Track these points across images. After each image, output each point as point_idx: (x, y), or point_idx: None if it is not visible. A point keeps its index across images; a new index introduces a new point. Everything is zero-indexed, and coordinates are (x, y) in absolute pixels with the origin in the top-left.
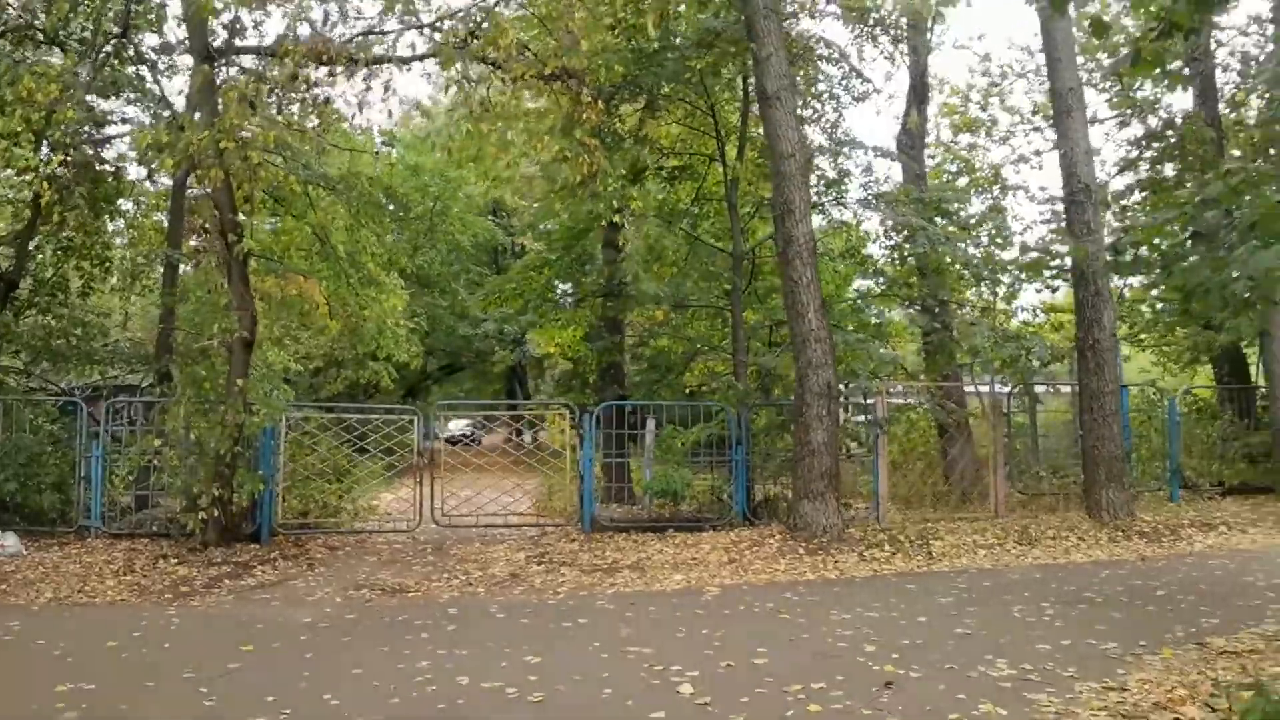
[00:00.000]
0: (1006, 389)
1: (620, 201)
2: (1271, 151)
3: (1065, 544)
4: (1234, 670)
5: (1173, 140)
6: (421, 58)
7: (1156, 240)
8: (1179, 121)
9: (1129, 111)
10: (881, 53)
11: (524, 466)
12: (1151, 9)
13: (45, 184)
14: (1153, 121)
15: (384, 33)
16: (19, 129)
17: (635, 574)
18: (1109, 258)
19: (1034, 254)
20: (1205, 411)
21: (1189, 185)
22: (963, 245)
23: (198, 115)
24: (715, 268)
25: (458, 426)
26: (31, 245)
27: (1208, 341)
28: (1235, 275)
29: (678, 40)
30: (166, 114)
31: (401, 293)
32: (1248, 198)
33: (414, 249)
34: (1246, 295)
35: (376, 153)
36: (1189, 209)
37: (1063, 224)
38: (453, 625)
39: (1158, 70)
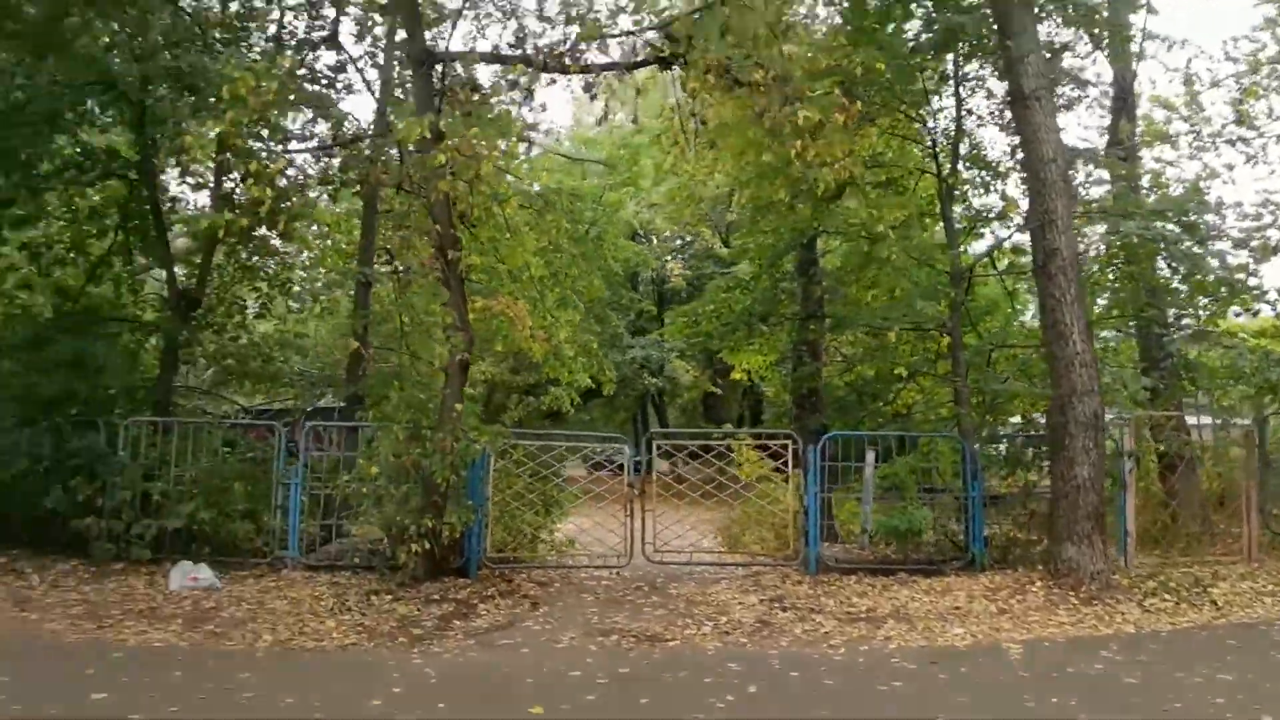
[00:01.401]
0: (1240, 419)
1: (822, 217)
2: None
3: None
4: None
5: None
6: (661, 61)
7: None
8: None
9: None
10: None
11: (712, 500)
12: None
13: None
14: None
15: (608, 37)
16: (230, 129)
17: (903, 625)
18: None
19: None
20: None
21: None
22: (1211, 259)
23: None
24: (922, 285)
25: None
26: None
27: None
28: None
29: (910, 38)
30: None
31: (575, 315)
32: None
33: (577, 274)
34: None
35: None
36: None
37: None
38: (752, 685)
39: None
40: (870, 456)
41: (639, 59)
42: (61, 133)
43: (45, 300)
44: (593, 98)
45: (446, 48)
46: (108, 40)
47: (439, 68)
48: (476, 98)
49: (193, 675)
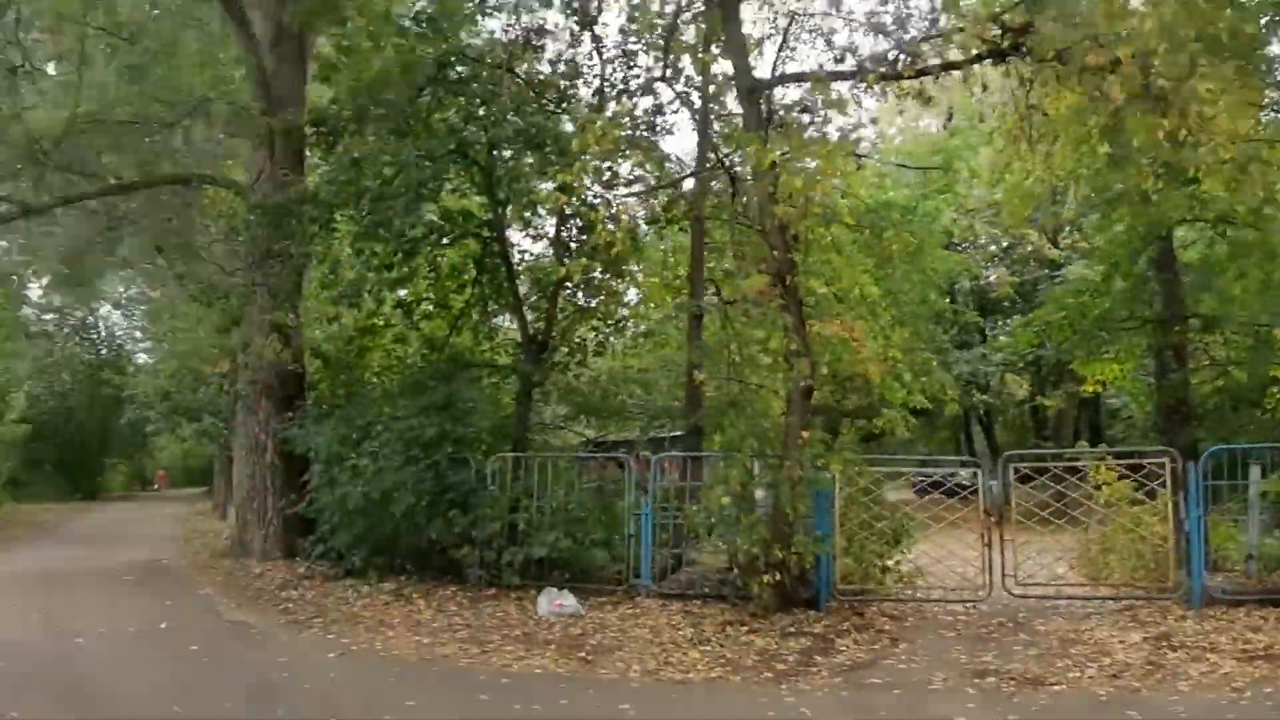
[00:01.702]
0: None
1: (1186, 205)
2: None
3: None
4: None
5: None
6: (997, 54)
7: None
8: None
9: None
10: None
11: (1054, 525)
12: None
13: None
14: None
15: (952, 34)
16: (572, 179)
17: None
18: None
19: None
20: None
21: None
22: None
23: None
24: None
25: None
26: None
27: None
28: None
29: None
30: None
31: (905, 333)
32: None
33: (909, 288)
34: None
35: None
36: None
37: None
38: None
39: None
40: (1256, 473)
41: (976, 53)
42: (427, 201)
43: (415, 350)
44: (927, 102)
45: (772, 73)
46: (456, 113)
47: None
48: (806, 119)
49: (578, 704)
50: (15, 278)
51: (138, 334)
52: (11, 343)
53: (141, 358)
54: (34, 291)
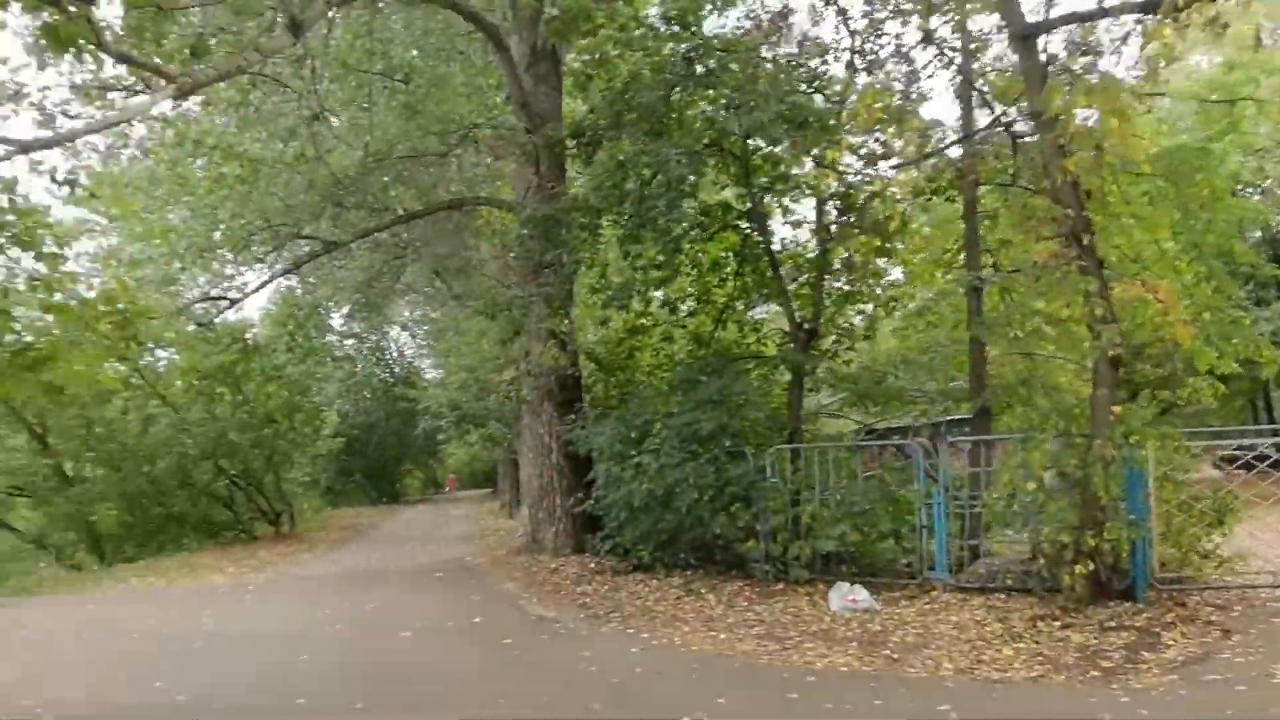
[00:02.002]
0: None
1: None
2: None
3: None
4: None
5: None
6: None
7: None
8: None
9: None
10: None
11: None
12: None
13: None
14: None
15: None
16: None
17: None
18: None
19: None
20: None
21: None
22: None
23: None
24: None
25: None
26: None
27: None
28: None
29: None
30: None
31: (1207, 291)
32: None
33: (1213, 240)
34: None
35: None
36: None
37: None
38: None
39: None
40: None
41: None
42: (687, 197)
43: (682, 347)
44: (1225, 27)
45: (1046, 15)
46: (710, 105)
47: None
48: (1088, 60)
49: (892, 704)
50: (321, 309)
51: (424, 352)
52: (321, 367)
53: (429, 374)
54: (335, 320)
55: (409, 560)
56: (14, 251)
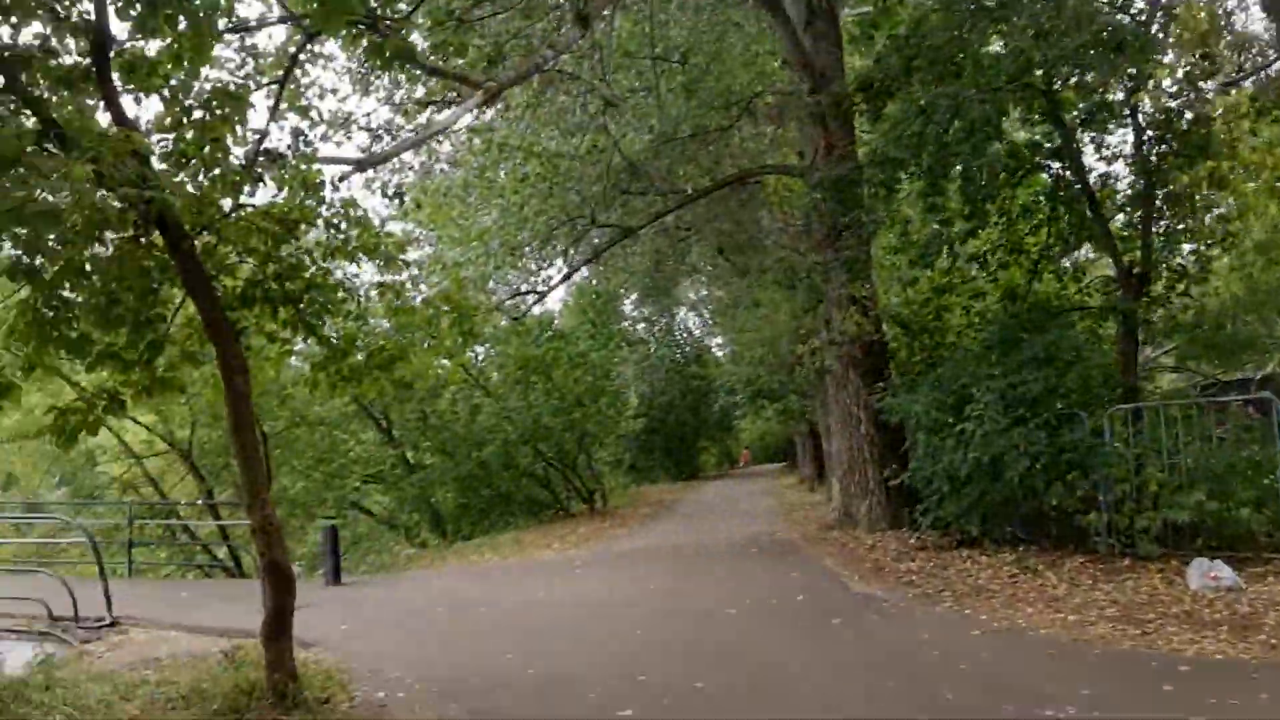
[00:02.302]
0: None
1: None
2: None
3: None
4: None
5: None
6: None
7: None
8: None
9: None
10: None
11: None
12: None
13: None
14: None
15: None
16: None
17: None
18: None
19: None
20: None
21: None
22: None
23: None
24: None
25: None
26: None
27: None
28: None
29: None
30: None
31: None
32: None
33: None
34: None
35: None
36: None
37: None
38: None
39: None
40: None
41: None
42: (993, 140)
43: (993, 304)
44: None
45: None
46: (1010, 39)
47: None
48: None
49: None
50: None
51: (712, 331)
52: (618, 352)
53: (718, 351)
54: (626, 306)
55: (720, 535)
56: (350, 267)
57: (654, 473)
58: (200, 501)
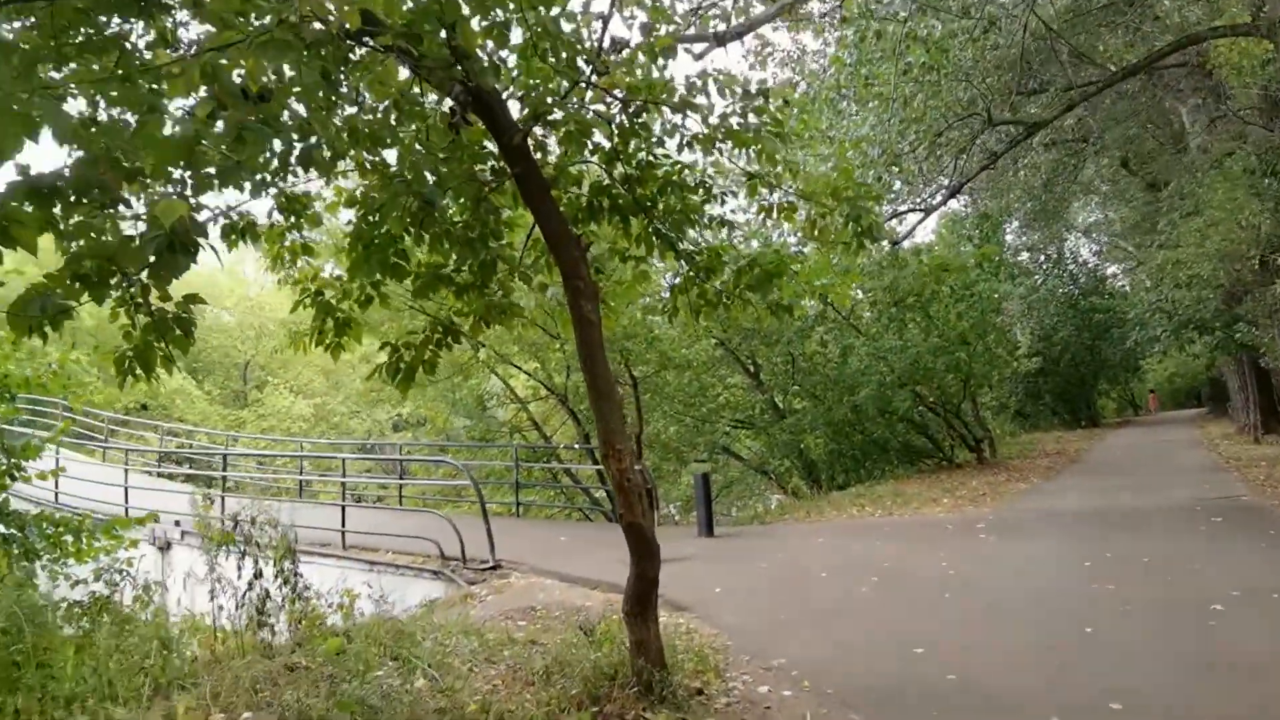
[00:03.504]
0: None
1: None
2: None
3: None
4: None
5: None
6: None
7: None
8: None
9: None
10: None
11: None
12: None
13: None
14: None
15: None
16: None
17: None
18: None
19: None
20: None
21: None
22: None
23: None
24: None
25: None
26: None
27: None
28: None
29: None
30: None
31: None
32: None
33: None
34: None
35: None
36: None
37: None
38: None
39: None
40: None
41: None
42: None
43: None
44: None
45: None
46: None
47: None
48: None
49: None
50: (1000, 221)
51: (1112, 258)
52: (1003, 284)
53: (1117, 282)
54: (1006, 235)
55: (1156, 496)
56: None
57: (1041, 419)
58: (577, 446)
